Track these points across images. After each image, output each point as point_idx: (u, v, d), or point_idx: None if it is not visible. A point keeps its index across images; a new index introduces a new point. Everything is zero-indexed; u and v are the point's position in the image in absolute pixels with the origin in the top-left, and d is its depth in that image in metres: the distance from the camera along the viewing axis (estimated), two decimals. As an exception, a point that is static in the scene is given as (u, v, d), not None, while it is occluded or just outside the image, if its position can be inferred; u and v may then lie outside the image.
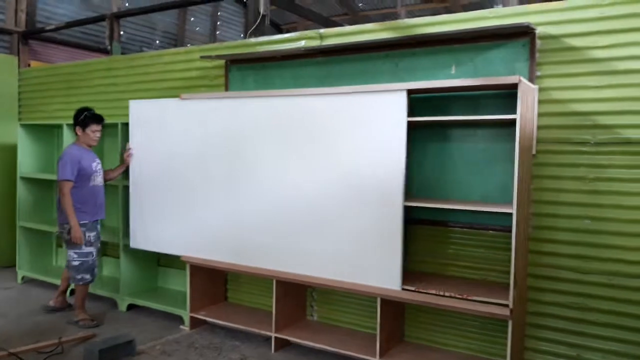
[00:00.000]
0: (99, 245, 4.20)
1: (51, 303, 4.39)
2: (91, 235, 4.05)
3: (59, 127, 5.22)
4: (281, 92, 3.61)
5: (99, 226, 4.18)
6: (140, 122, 4.28)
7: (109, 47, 6.67)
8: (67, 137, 4.91)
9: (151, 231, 4.20)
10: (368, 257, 3.24)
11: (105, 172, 4.27)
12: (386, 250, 3.17)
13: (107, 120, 4.91)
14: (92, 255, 4.07)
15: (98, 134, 4.13)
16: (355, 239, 3.29)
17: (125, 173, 4.39)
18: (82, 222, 3.99)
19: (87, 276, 4.07)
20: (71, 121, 4.99)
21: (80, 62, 5.73)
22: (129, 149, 4.26)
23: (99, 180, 4.14)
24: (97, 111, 5.19)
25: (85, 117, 4.06)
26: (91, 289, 4.44)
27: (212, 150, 3.86)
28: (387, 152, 3.15)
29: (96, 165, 4.14)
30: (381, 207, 3.18)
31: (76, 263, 4.02)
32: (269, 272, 3.65)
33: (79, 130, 4.08)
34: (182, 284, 4.50)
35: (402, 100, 3.09)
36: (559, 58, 3.09)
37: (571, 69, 3.06)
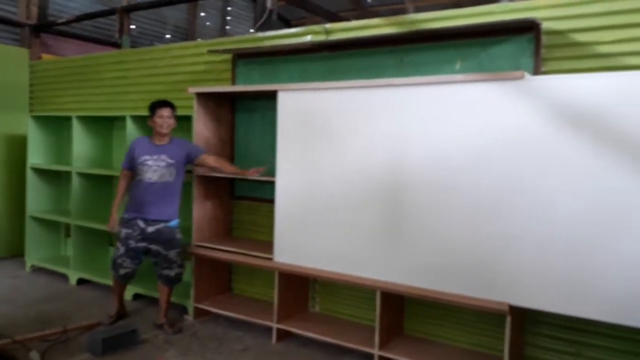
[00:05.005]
0: (137, 247, 3.83)
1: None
2: (123, 231, 3.83)
3: (69, 119, 5.28)
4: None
5: (142, 227, 3.80)
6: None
7: (119, 41, 6.74)
8: (77, 129, 4.98)
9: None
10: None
11: (214, 160, 3.94)
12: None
13: (116, 114, 5.02)
14: (118, 251, 3.85)
15: (166, 120, 3.80)
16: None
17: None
18: (122, 215, 3.89)
19: (112, 269, 3.93)
20: (82, 113, 5.11)
21: (90, 55, 5.80)
22: (259, 170, 3.82)
23: (148, 176, 3.78)
24: (107, 104, 5.34)
25: (152, 104, 3.84)
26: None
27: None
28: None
29: (149, 160, 3.79)
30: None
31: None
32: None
33: (150, 122, 3.86)
34: (187, 274, 4.54)
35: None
36: (565, 54, 3.06)
37: (577, 65, 3.03)
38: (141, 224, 3.82)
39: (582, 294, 2.69)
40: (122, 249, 3.86)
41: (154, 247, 3.85)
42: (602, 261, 2.64)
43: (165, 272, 3.89)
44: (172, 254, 3.87)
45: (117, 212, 3.95)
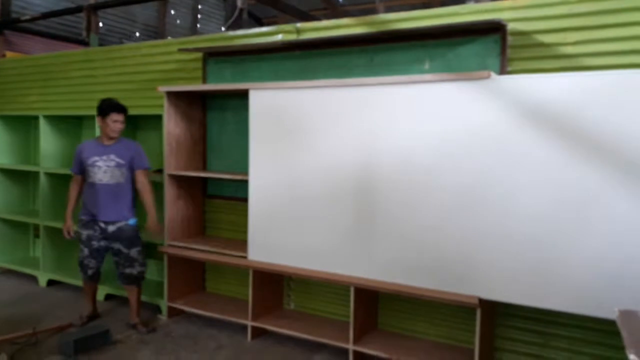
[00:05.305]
0: (100, 246, 3.84)
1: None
2: (84, 233, 3.84)
3: (35, 118, 5.18)
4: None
5: (102, 227, 3.79)
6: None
7: (86, 39, 6.62)
8: (44, 128, 4.89)
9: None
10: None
11: (142, 183, 3.86)
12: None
13: (84, 113, 4.95)
14: (83, 253, 3.86)
15: (119, 125, 3.78)
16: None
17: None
18: (80, 217, 3.88)
19: (80, 271, 3.94)
20: (48, 112, 5.02)
21: (57, 53, 5.68)
22: (155, 227, 3.87)
23: (99, 177, 3.76)
24: (75, 103, 5.25)
25: (105, 106, 3.78)
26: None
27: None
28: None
29: (99, 160, 3.77)
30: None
31: None
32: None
33: (99, 120, 3.81)
34: (159, 273, 4.52)
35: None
36: (529, 54, 3.16)
37: (541, 65, 3.12)
38: (101, 224, 3.81)
39: (548, 286, 2.79)
40: (86, 251, 3.86)
41: (115, 245, 3.84)
42: (567, 254, 2.74)
43: (127, 270, 3.86)
44: (134, 252, 3.85)
45: (71, 218, 3.94)
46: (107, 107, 3.78)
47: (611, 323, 2.38)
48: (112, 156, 3.80)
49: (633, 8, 2.88)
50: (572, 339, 3.11)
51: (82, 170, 3.86)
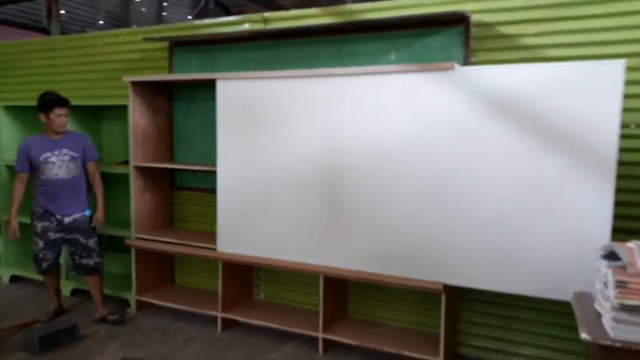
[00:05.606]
0: (56, 238, 3.79)
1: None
2: (39, 225, 3.77)
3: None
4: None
5: (58, 219, 3.75)
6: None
7: (47, 27, 6.43)
8: (4, 119, 4.75)
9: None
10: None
11: (92, 176, 3.90)
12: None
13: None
14: (38, 246, 3.78)
15: (63, 119, 3.72)
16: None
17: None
18: (33, 209, 3.83)
19: (35, 265, 3.86)
20: (7, 103, 4.87)
21: (16, 41, 5.50)
22: (99, 221, 3.85)
23: (55, 172, 3.72)
24: (36, 93, 5.08)
25: (47, 101, 3.69)
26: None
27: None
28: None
29: (52, 156, 3.72)
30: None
31: None
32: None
33: (42, 117, 3.72)
34: (127, 267, 4.46)
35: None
36: (492, 45, 3.22)
37: (504, 56, 3.19)
38: (57, 216, 3.77)
39: (509, 271, 2.88)
40: (41, 243, 3.80)
41: (72, 236, 3.80)
42: (527, 239, 2.83)
43: (84, 261, 3.82)
44: (91, 242, 3.83)
45: (15, 218, 3.83)
46: (50, 102, 3.71)
47: (568, 304, 2.48)
48: (65, 150, 3.76)
49: (589, 1, 2.97)
50: (532, 322, 3.23)
51: (32, 168, 3.77)
